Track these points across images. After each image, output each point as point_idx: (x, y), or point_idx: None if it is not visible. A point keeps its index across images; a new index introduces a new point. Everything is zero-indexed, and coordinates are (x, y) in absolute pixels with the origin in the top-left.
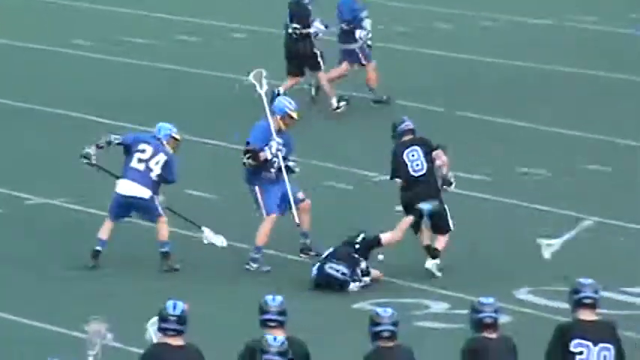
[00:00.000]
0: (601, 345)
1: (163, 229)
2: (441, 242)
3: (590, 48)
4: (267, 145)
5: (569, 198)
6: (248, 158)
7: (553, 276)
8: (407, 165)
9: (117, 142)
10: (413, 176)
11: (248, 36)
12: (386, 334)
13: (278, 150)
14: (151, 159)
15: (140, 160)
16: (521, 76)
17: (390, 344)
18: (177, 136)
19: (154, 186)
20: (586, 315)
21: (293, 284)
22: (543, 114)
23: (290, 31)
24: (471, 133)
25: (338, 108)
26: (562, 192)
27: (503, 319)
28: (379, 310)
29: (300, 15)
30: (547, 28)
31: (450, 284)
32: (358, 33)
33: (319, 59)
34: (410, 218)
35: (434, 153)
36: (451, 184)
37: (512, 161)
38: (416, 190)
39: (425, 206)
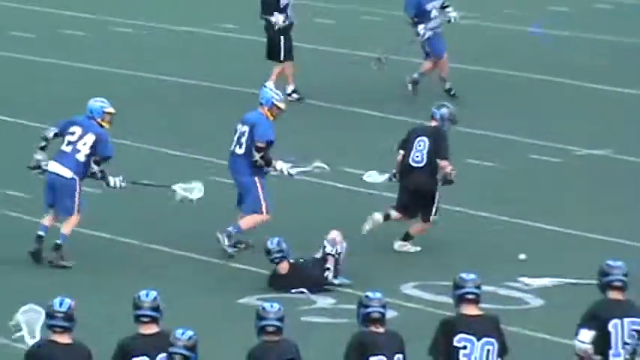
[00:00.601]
0: (484, 340)
1: (70, 223)
2: (417, 227)
3: (468, 43)
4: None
5: (454, 193)
6: (262, 158)
7: (438, 271)
8: (411, 151)
9: (53, 133)
10: (410, 165)
11: (134, 30)
12: (271, 328)
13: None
14: (79, 140)
15: (69, 143)
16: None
17: (276, 339)
18: (110, 110)
19: (80, 167)
20: (469, 310)
21: (180, 280)
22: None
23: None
24: (361, 128)
25: (290, 95)
26: (448, 187)
27: (390, 313)
28: (265, 304)
29: (266, 3)
30: None
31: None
32: (420, 27)
33: (281, 49)
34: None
35: (441, 163)
36: (452, 182)
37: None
38: (409, 179)
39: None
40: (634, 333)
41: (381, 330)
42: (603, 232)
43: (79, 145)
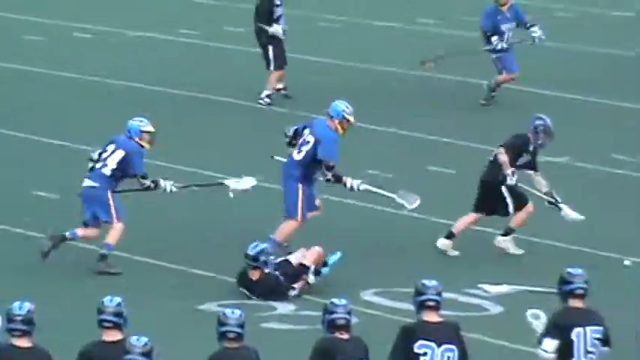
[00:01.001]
0: (445, 346)
1: (113, 232)
2: (518, 219)
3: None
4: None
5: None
6: (333, 176)
7: (399, 277)
8: None
9: (97, 153)
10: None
11: (92, 36)
12: (232, 334)
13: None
14: (109, 156)
15: (101, 160)
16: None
17: (236, 345)
18: (148, 129)
19: (105, 180)
20: (430, 316)
21: (141, 286)
22: (382, 115)
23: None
24: None
25: (263, 100)
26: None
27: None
28: (227, 310)
29: (260, 8)
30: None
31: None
32: (494, 38)
33: (269, 57)
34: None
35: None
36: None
37: (356, 163)
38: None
39: None
40: (596, 342)
41: (346, 336)
42: (563, 239)
43: (108, 161)
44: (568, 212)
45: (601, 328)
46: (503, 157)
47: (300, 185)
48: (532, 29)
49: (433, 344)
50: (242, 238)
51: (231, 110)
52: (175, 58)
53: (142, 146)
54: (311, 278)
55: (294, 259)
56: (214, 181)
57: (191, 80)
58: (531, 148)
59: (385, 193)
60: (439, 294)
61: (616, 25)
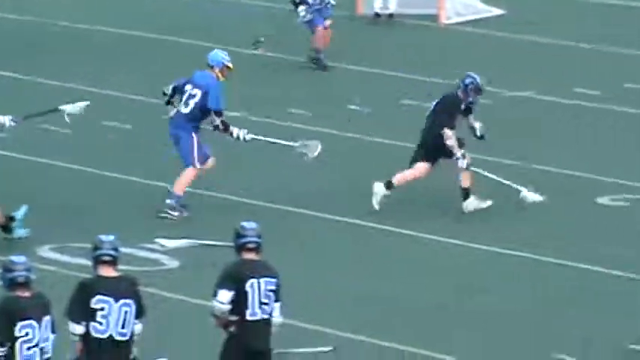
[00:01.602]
0: (122, 301)
1: None
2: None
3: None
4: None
5: (93, 156)
6: (222, 122)
7: (76, 233)
8: None
9: None
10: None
11: None
12: None
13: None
14: None
15: None
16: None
17: None
18: None
19: None
20: (107, 271)
21: None
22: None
23: None
24: None
25: None
26: (84, 149)
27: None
28: None
29: None
30: None
31: None
32: (300, 9)
33: None
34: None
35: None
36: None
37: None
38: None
39: None
40: (270, 293)
41: (27, 294)
42: (236, 192)
43: None
44: (527, 195)
45: (275, 280)
46: (451, 142)
47: (193, 135)
48: None
49: (111, 299)
50: None
51: None
52: None
53: None
54: None
55: None
56: (50, 108)
57: None
58: (463, 106)
59: (276, 140)
60: (116, 249)
61: None
